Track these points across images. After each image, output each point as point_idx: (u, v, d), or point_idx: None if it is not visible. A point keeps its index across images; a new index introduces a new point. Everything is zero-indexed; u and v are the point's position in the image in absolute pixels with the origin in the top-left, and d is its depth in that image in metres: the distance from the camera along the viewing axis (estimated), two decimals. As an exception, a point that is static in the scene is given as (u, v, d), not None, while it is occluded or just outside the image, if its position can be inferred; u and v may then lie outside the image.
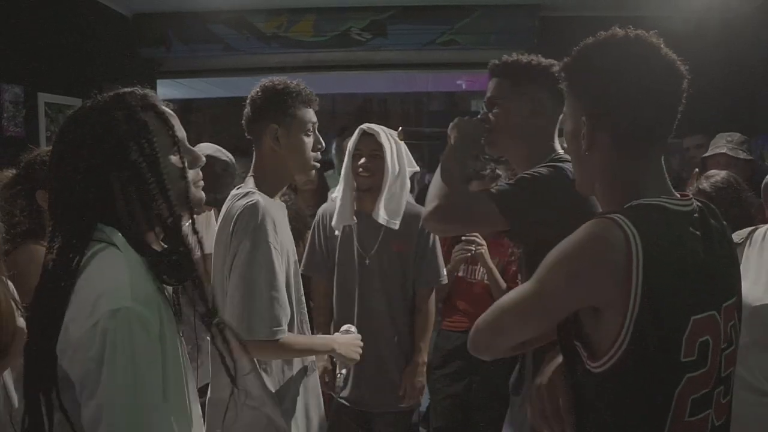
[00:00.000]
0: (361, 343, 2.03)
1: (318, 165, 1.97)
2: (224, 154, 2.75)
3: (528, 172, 1.65)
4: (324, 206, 2.68)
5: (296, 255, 2.03)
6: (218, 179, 2.66)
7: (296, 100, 1.90)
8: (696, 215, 1.13)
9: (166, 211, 1.13)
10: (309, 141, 1.93)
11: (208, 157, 2.63)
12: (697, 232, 1.10)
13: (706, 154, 3.27)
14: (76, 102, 4.00)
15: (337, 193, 2.60)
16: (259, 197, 1.79)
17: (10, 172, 2.23)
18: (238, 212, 1.77)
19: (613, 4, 4.18)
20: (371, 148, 2.47)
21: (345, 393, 2.55)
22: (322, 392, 2.77)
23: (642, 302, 1.00)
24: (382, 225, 2.47)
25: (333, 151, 4.11)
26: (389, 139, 2.49)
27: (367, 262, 2.50)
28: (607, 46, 1.14)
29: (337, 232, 2.54)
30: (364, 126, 2.52)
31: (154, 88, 4.86)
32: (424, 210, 1.68)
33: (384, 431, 2.57)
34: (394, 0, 4.51)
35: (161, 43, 4.63)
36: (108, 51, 4.30)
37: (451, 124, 1.76)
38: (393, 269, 2.52)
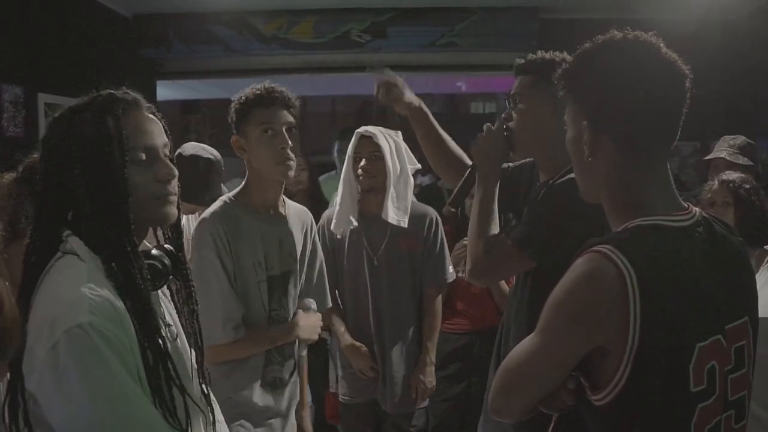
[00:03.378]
0: (321, 322, 2.06)
1: (290, 165, 1.91)
2: (207, 152, 2.72)
3: (541, 197, 1.69)
4: (328, 212, 2.67)
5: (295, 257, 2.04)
6: (205, 178, 2.64)
7: (247, 104, 1.89)
8: (699, 229, 1.08)
9: (121, 220, 1.08)
10: (267, 142, 1.88)
11: (190, 156, 2.63)
12: (699, 250, 1.06)
13: (708, 157, 3.27)
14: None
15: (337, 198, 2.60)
16: (218, 207, 1.92)
17: (10, 176, 2.23)
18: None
19: (612, 6, 4.18)
20: (370, 150, 2.48)
21: (355, 393, 2.56)
22: (329, 393, 2.80)
23: (642, 335, 0.98)
24: (388, 225, 2.48)
25: (335, 153, 4.10)
26: (387, 139, 2.50)
27: (376, 262, 2.51)
28: (606, 49, 1.12)
29: (338, 236, 2.53)
30: (361, 129, 2.53)
31: (154, 88, 4.91)
32: (466, 268, 1.79)
33: (393, 431, 2.57)
34: (394, 2, 4.52)
35: (161, 43, 4.63)
36: (108, 51, 4.30)
37: (473, 149, 1.80)
38: (402, 268, 2.53)
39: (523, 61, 1.80)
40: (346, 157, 2.55)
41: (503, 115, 1.82)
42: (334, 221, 2.51)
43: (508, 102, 1.82)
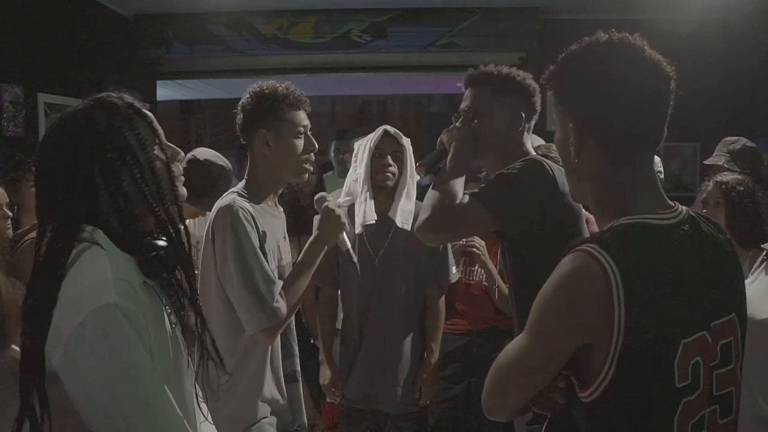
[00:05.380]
0: (339, 210, 1.99)
1: (311, 168, 1.99)
2: (220, 159, 2.78)
3: (507, 168, 1.72)
4: None
5: (289, 257, 2.04)
6: (215, 183, 2.69)
7: (284, 103, 1.91)
8: (685, 227, 1.10)
9: (156, 203, 1.17)
10: (300, 143, 1.94)
11: (204, 161, 2.70)
12: (685, 247, 1.08)
13: (707, 162, 3.26)
14: (76, 102, 3.99)
15: (346, 197, 2.58)
16: (236, 197, 1.87)
17: None
18: (214, 213, 1.87)
19: (613, 6, 4.19)
20: (393, 149, 2.49)
21: (355, 394, 2.56)
22: (329, 402, 2.81)
23: (626, 332, 0.99)
24: (393, 225, 2.48)
25: (332, 154, 4.10)
26: (406, 141, 2.52)
27: (377, 262, 2.50)
28: (591, 52, 1.12)
29: (358, 230, 2.50)
30: (389, 128, 2.52)
31: (154, 88, 4.91)
32: (418, 221, 1.75)
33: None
34: (394, 2, 4.52)
35: (161, 43, 4.63)
36: (108, 51, 4.31)
37: (444, 133, 1.82)
38: (404, 268, 2.52)
39: (477, 72, 1.84)
40: (366, 150, 2.52)
41: (459, 124, 1.84)
42: (364, 215, 2.48)
43: (459, 115, 1.84)
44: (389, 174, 2.47)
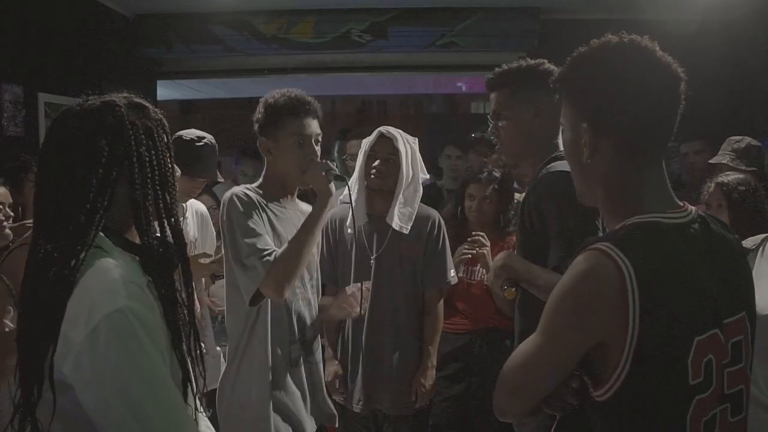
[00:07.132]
0: (315, 163, 1.98)
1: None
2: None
3: (563, 215, 1.67)
4: (333, 211, 2.62)
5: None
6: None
7: (283, 111, 1.96)
8: (695, 226, 1.11)
9: (169, 209, 1.18)
10: (297, 152, 1.97)
11: (190, 140, 2.87)
12: (696, 246, 1.09)
13: (711, 161, 3.26)
14: (76, 102, 3.99)
15: (346, 194, 2.58)
16: (237, 189, 1.98)
17: None
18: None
19: (613, 6, 4.19)
20: (387, 151, 2.47)
21: (353, 397, 2.54)
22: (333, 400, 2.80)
23: (640, 330, 0.99)
24: (390, 228, 2.47)
25: (335, 154, 4.10)
26: (405, 144, 2.49)
27: (373, 263, 2.49)
28: (603, 53, 1.13)
29: (350, 231, 2.52)
30: (383, 129, 2.50)
31: (154, 88, 4.91)
32: None
33: None
34: (394, 2, 4.52)
35: (161, 43, 4.64)
36: (108, 51, 4.31)
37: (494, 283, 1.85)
38: (401, 271, 2.52)
39: (493, 76, 1.90)
40: (361, 153, 2.52)
41: (490, 130, 1.92)
42: (354, 215, 2.47)
43: (489, 121, 1.92)
44: (378, 178, 2.46)
